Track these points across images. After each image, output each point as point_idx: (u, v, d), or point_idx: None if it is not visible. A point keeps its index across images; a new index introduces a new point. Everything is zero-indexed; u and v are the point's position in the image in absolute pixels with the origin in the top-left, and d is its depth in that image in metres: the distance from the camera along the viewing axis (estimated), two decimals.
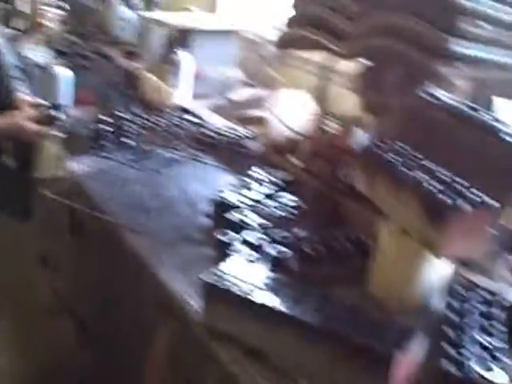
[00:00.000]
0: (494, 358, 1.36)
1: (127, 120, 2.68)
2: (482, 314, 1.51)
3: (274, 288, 1.51)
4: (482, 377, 1.29)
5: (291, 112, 2.67)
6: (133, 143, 2.59)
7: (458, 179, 1.63)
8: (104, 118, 2.66)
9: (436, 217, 1.54)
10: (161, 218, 2.08)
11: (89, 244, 2.57)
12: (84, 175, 2.35)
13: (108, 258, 2.36)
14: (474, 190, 1.57)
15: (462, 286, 1.64)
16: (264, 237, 1.83)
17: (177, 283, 1.73)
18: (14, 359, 2.88)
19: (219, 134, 2.71)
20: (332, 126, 2.50)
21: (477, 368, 1.31)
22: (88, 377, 2.59)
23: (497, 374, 1.30)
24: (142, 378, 1.90)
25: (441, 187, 1.60)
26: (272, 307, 1.43)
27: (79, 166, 2.40)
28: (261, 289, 1.50)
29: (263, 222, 1.94)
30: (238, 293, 1.48)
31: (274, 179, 2.28)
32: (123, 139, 2.58)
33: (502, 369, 1.33)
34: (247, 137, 2.71)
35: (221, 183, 2.34)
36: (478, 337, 1.42)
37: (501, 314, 1.53)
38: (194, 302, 1.62)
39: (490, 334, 1.44)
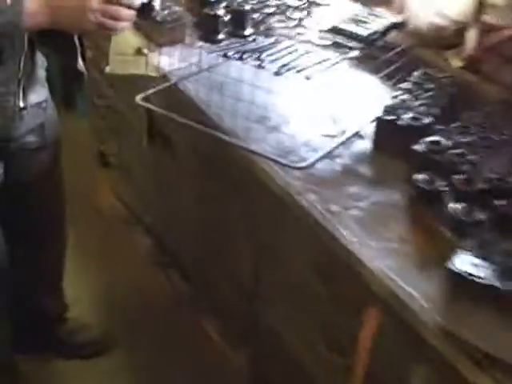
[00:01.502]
0: None
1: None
2: None
3: None
4: None
5: None
6: (248, 33, 1.93)
7: None
8: None
9: None
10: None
11: (176, 158, 2.05)
12: (182, 74, 1.77)
13: (212, 181, 1.87)
14: None
15: None
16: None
17: (363, 251, 1.20)
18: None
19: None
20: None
21: None
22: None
23: None
24: None
25: None
26: None
27: (173, 61, 1.80)
28: None
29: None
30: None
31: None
32: (241, 30, 1.92)
33: None
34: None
35: (366, 88, 1.73)
36: None
37: None
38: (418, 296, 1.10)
39: None
